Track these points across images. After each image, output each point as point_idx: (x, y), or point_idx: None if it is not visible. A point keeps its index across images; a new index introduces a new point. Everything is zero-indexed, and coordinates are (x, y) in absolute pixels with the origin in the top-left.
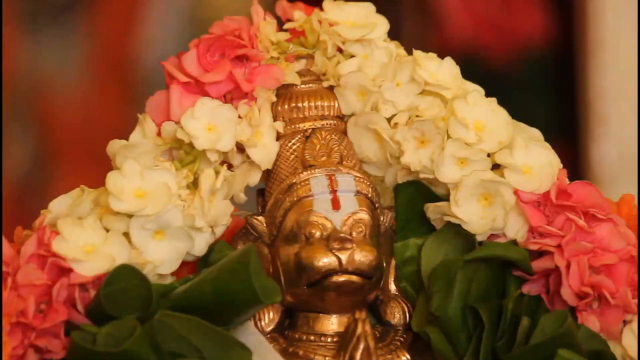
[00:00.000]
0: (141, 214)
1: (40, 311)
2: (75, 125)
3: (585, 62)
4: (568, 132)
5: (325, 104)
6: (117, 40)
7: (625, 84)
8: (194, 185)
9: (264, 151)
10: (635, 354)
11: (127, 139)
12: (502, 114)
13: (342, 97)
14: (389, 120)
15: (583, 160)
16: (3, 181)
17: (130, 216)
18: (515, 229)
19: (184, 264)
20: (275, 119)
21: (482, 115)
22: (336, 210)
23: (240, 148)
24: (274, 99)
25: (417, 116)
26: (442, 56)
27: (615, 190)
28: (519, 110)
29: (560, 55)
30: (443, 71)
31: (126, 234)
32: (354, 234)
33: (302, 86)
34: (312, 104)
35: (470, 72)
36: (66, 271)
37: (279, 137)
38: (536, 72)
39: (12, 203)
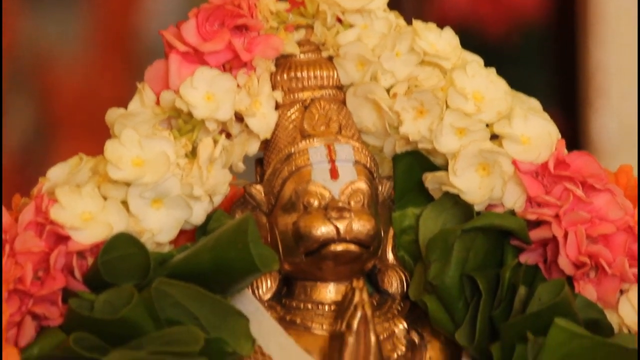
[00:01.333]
0: (139, 183)
1: (37, 278)
2: (76, 96)
3: (584, 34)
4: (567, 105)
5: (325, 73)
6: (118, 11)
7: (624, 56)
8: (193, 154)
9: (263, 120)
10: (631, 323)
11: (126, 109)
12: (501, 84)
13: (341, 67)
14: (388, 90)
15: (582, 133)
16: (3, 151)
17: (128, 184)
18: (513, 199)
19: (182, 232)
20: (274, 88)
21: (481, 86)
22: (334, 180)
23: (239, 117)
24: (273, 68)
25: (416, 86)
26: (440, 28)
27: (615, 163)
28: (517, 83)
29: (559, 28)
30: (442, 41)
31: (124, 203)
32: (352, 203)
33: (301, 56)
34: (311, 73)
35: (468, 45)
36: (64, 239)
37: (277, 106)
38: (535, 45)
39: (12, 173)
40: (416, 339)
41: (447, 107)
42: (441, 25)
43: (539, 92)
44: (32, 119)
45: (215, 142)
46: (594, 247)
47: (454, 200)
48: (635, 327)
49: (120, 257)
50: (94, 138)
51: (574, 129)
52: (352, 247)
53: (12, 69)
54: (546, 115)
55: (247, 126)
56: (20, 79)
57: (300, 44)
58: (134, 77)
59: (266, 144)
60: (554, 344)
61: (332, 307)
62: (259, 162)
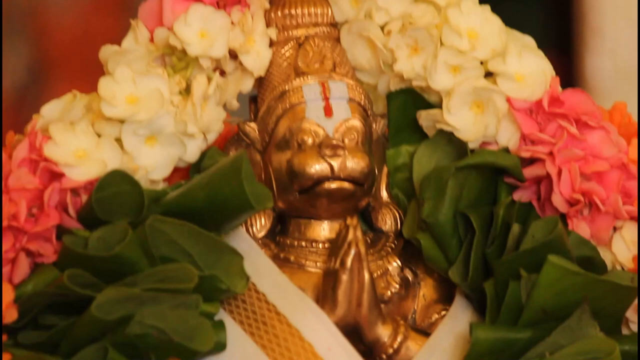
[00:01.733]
0: (133, 120)
1: (32, 215)
2: (70, 37)
3: None
4: (562, 45)
5: (319, 11)
6: None
7: None
8: (187, 91)
9: (257, 58)
10: (624, 260)
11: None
12: (496, 21)
13: (335, 4)
14: (382, 27)
15: (577, 73)
16: None
17: (122, 122)
18: (507, 137)
19: (175, 170)
20: (268, 25)
21: (476, 23)
22: (328, 117)
23: (233, 55)
24: (267, 5)
25: (410, 24)
26: None
27: (609, 104)
28: (512, 21)
29: None
30: None
31: (118, 140)
32: (346, 140)
33: None
34: (306, 11)
35: None
36: (58, 176)
37: (271, 44)
38: None
39: (6, 113)
40: (410, 277)
41: (442, 44)
42: None
43: (533, 31)
44: (27, 60)
45: (209, 79)
46: (588, 185)
47: (448, 138)
48: (628, 264)
49: (114, 194)
50: (89, 78)
51: (568, 69)
52: (346, 184)
53: (7, 10)
54: (540, 53)
55: (241, 64)
56: (14, 20)
57: None
58: (128, 15)
59: (260, 82)
60: (547, 281)
61: (326, 245)
62: (253, 100)
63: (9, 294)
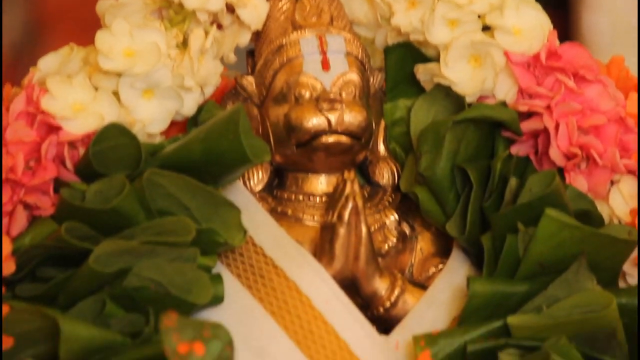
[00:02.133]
0: (130, 73)
1: (29, 168)
2: None
3: None
4: (559, 1)
5: None
6: None
7: None
8: (184, 45)
9: (254, 11)
10: (621, 214)
11: None
12: None
13: None
14: None
15: (574, 29)
16: None
17: (119, 75)
18: (505, 90)
19: (173, 123)
20: None
21: None
22: (326, 71)
23: (230, 8)
24: None
25: None
26: None
27: (606, 60)
28: None
29: None
30: None
31: (115, 93)
32: (343, 94)
33: None
34: None
35: None
36: (55, 129)
37: None
38: None
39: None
40: (407, 230)
41: None
42: None
43: None
44: (23, 17)
45: (207, 33)
46: (585, 138)
47: (446, 92)
48: (625, 218)
49: (112, 147)
50: (85, 35)
51: (565, 26)
52: (344, 138)
53: None
54: (538, 6)
55: (238, 17)
56: None
57: None
58: None
59: (257, 36)
60: (544, 235)
61: (323, 199)
62: (250, 54)
63: (6, 247)
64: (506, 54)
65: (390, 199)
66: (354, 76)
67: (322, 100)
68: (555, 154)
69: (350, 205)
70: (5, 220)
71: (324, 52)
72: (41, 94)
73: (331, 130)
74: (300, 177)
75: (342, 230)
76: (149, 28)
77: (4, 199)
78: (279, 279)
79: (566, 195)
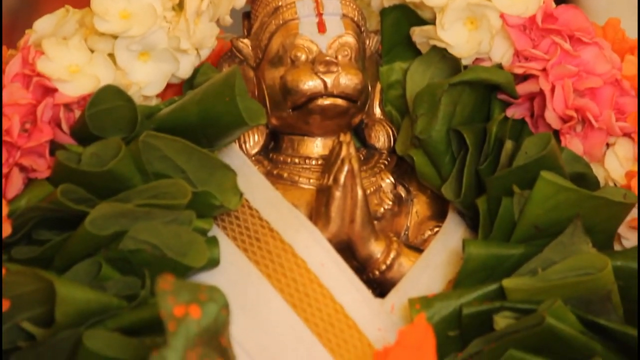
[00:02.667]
0: (126, 35)
1: (25, 130)
2: None
3: None
4: None
5: None
6: None
7: None
8: (180, 7)
9: None
10: (617, 176)
11: None
12: None
13: None
14: None
15: None
16: None
17: (115, 37)
18: (501, 53)
19: (169, 86)
20: None
21: None
22: (322, 34)
23: None
24: None
25: None
26: None
27: (603, 22)
28: None
29: None
30: None
31: (111, 55)
32: (339, 57)
33: None
34: None
35: None
36: (51, 91)
37: None
38: None
39: None
40: (403, 194)
41: None
42: None
43: None
44: None
45: None
46: (581, 101)
47: (442, 54)
48: (620, 181)
49: (108, 109)
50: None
51: None
52: (340, 101)
53: None
54: None
55: None
56: None
57: None
58: None
59: None
60: (540, 197)
61: (319, 162)
62: (246, 16)
63: (2, 209)
64: (502, 16)
65: (386, 162)
66: (350, 39)
67: (318, 63)
68: (550, 117)
69: (346, 168)
70: None
71: (320, 15)
72: (37, 56)
73: (327, 93)
74: (296, 140)
75: (337, 193)
76: None
77: None
78: (274, 242)
79: (562, 157)
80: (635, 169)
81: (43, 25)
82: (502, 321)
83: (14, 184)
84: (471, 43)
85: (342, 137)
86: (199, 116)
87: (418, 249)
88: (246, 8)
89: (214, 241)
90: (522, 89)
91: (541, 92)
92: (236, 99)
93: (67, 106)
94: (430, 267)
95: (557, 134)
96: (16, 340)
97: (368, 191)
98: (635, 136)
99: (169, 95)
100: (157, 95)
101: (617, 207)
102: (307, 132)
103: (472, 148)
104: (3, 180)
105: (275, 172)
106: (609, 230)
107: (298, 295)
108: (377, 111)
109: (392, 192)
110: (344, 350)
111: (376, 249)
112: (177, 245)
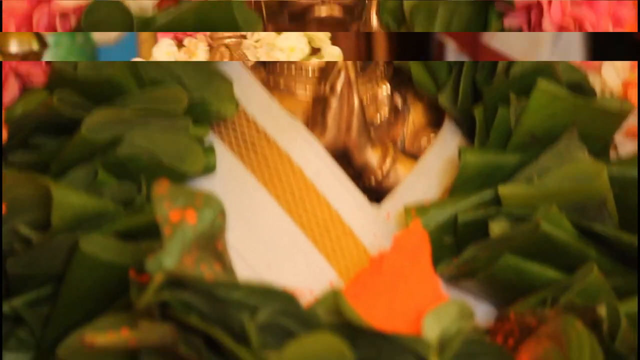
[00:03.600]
0: None
1: None
2: None
3: None
4: None
5: None
6: None
7: None
8: None
9: None
10: (614, 86)
11: None
12: None
13: None
14: None
15: None
16: None
17: None
18: None
19: None
20: None
21: None
22: None
23: None
24: None
25: None
26: None
27: None
28: None
29: None
30: None
31: None
32: None
33: None
34: None
35: None
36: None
37: None
38: None
39: None
40: (399, 102)
41: None
42: None
43: None
44: None
45: None
46: (578, 10)
47: None
48: (617, 90)
49: (104, 19)
50: None
51: None
52: (336, 10)
53: None
54: None
55: None
56: None
57: None
58: None
59: None
60: (536, 106)
61: (316, 71)
62: None
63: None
64: None
65: (383, 71)
66: None
67: None
68: (548, 26)
69: (342, 76)
70: None
71: None
72: None
73: (323, 1)
74: None
75: (334, 102)
76: None
77: None
78: (271, 150)
79: (559, 67)
80: (632, 78)
81: None
82: (497, 227)
83: (10, 91)
84: None
85: None
86: (195, 25)
87: (414, 157)
88: None
89: (210, 148)
90: None
91: (538, 2)
92: (232, 8)
93: (64, 15)
94: (426, 174)
95: None
96: (12, 243)
97: (364, 100)
98: None
99: (166, 4)
100: (154, 5)
101: (613, 115)
102: None
103: None
104: None
105: (271, 80)
106: (605, 139)
107: (294, 201)
108: (374, 21)
109: (389, 101)
110: (339, 255)
111: (372, 156)
112: (173, 151)
